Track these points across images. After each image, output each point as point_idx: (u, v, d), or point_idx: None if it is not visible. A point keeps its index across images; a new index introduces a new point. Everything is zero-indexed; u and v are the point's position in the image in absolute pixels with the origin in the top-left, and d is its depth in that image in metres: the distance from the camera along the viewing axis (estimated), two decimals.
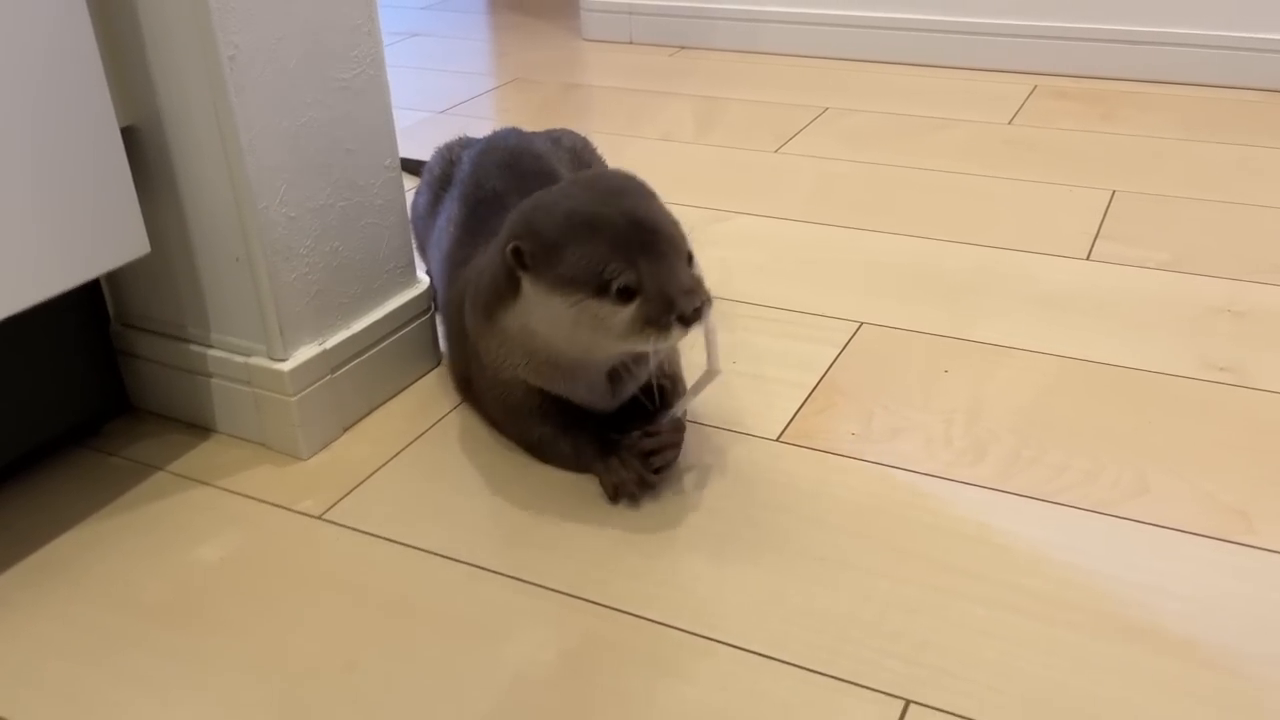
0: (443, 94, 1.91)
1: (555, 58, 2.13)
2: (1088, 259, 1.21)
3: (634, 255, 0.73)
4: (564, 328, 0.77)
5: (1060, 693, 0.66)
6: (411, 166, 1.31)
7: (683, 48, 2.12)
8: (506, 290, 0.80)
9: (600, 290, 0.73)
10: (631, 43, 2.18)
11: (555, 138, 1.12)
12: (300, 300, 0.88)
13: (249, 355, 0.88)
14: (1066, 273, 1.18)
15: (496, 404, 0.88)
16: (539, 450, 0.88)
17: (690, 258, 0.77)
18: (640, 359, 0.83)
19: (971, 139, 1.59)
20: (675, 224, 0.77)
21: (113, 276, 0.93)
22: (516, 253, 0.76)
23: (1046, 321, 1.08)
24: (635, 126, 1.71)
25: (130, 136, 0.83)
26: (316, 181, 0.87)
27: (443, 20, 2.47)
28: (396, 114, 0.95)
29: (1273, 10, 1.70)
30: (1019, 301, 1.12)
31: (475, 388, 0.91)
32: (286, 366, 0.87)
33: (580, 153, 1.12)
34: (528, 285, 0.78)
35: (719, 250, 1.26)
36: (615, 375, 0.85)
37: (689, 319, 0.73)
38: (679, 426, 0.86)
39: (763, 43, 2.06)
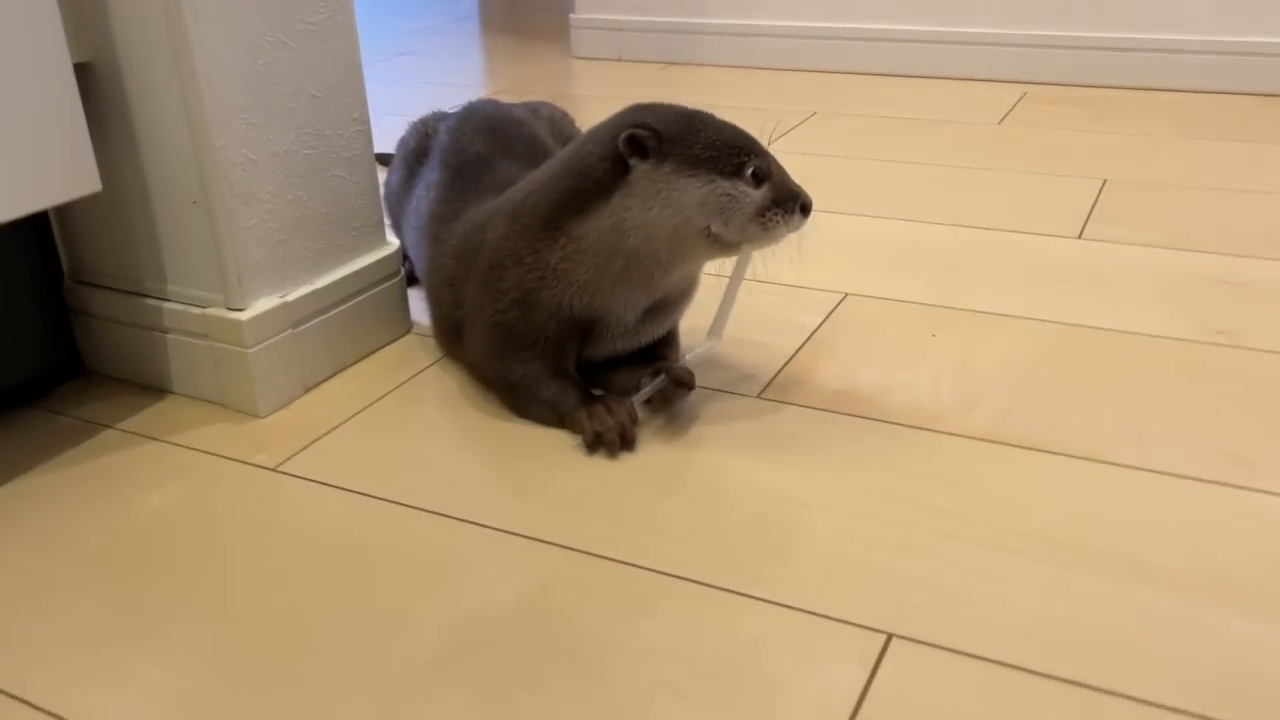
0: (430, 103, 1.88)
1: (545, 72, 2.13)
2: (1079, 238, 1.18)
3: (761, 152, 0.78)
4: (683, 213, 0.76)
5: (1054, 627, 0.61)
6: (387, 161, 1.29)
7: (671, 63, 2.12)
8: (596, 190, 0.78)
9: (735, 172, 0.76)
10: (620, 59, 2.18)
11: (534, 108, 1.09)
12: (261, 248, 0.84)
13: (206, 306, 0.85)
14: (1058, 250, 1.15)
15: (495, 332, 0.83)
16: (519, 392, 0.84)
17: None
18: (686, 291, 0.86)
19: (961, 137, 1.57)
20: None
21: (67, 230, 0.90)
22: (632, 140, 0.75)
23: (1037, 293, 1.04)
24: None
25: (84, 74, 0.80)
26: (279, 125, 0.84)
27: (434, 41, 2.48)
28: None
29: (1256, 14, 1.70)
30: (1009, 275, 1.09)
31: (470, 322, 0.85)
32: (245, 316, 0.83)
33: (559, 122, 1.09)
34: (641, 174, 0.76)
35: None
36: (653, 309, 0.83)
37: (809, 208, 0.79)
38: (691, 375, 0.84)
39: (752, 57, 2.06)
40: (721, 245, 0.79)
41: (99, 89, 0.81)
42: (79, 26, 0.79)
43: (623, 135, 0.76)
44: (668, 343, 0.89)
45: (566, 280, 0.80)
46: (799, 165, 1.30)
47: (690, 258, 0.80)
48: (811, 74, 1.99)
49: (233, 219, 0.82)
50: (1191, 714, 0.55)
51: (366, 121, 0.92)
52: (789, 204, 0.77)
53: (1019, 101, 1.75)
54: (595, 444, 0.80)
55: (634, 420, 0.80)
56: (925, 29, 1.92)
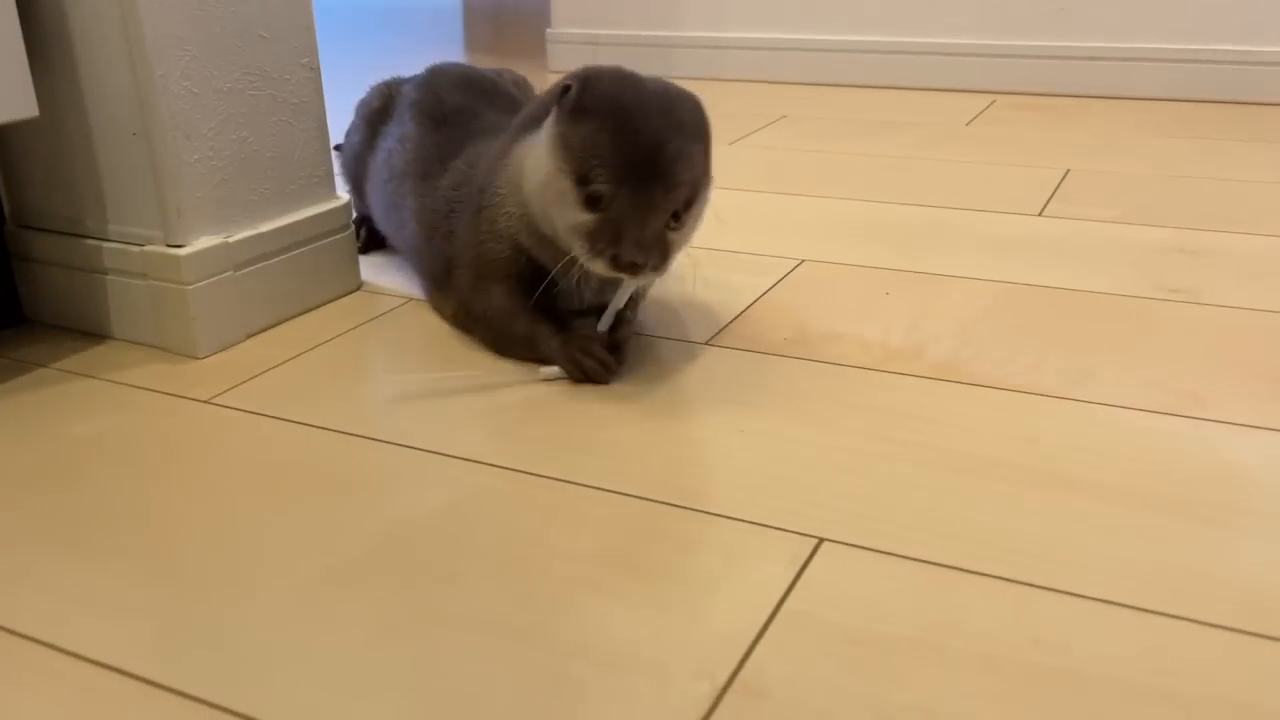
0: None
1: None
2: (1040, 215, 1.18)
3: (627, 179, 0.70)
4: (538, 180, 0.75)
5: (989, 531, 0.60)
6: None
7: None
8: (535, 123, 0.78)
9: (580, 180, 0.71)
10: None
11: (498, 72, 1.10)
12: (203, 185, 0.83)
13: (145, 244, 0.84)
14: (1018, 225, 1.15)
15: (476, 264, 0.83)
16: (497, 327, 0.83)
17: (679, 214, 0.73)
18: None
19: (928, 135, 1.58)
20: (694, 180, 0.74)
21: (9, 173, 0.89)
22: (565, 90, 0.74)
23: (995, 259, 1.04)
24: None
25: (24, 1, 0.79)
26: (223, 61, 0.83)
27: (417, 59, 2.49)
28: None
29: (1220, 22, 1.72)
30: (967, 244, 1.09)
31: (457, 258, 0.85)
32: (184, 252, 0.82)
33: (522, 86, 1.10)
34: (548, 122, 0.75)
35: None
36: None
37: (621, 266, 0.71)
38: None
39: (726, 69, 2.08)
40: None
41: (39, 14, 0.80)
42: None
43: (562, 83, 0.75)
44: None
45: (505, 210, 0.80)
46: (765, 159, 1.30)
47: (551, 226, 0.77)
48: (784, 85, 2.01)
49: (173, 152, 0.81)
50: (1126, 606, 0.53)
51: (316, 69, 0.92)
52: (598, 245, 0.71)
53: (987, 108, 1.77)
54: (582, 379, 0.78)
55: (608, 351, 0.79)
56: (895, 40, 1.94)
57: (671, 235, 0.73)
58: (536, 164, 0.76)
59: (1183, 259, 1.02)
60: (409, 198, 0.93)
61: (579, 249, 0.72)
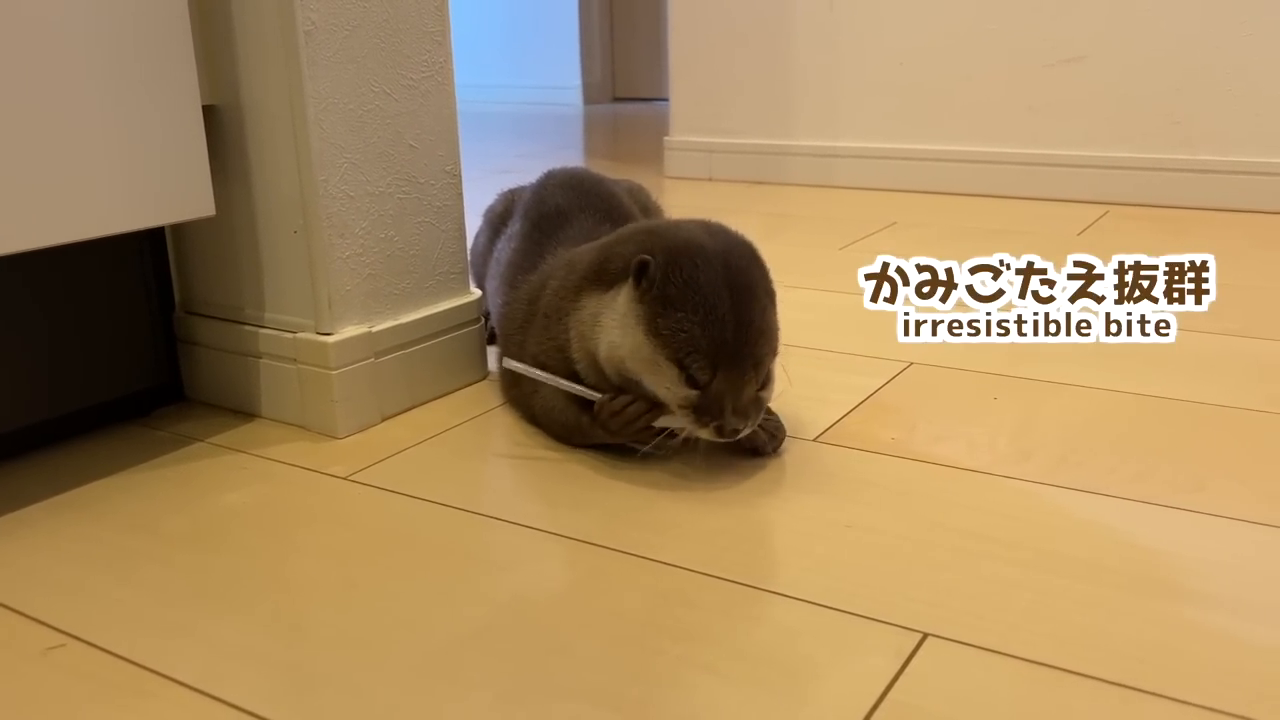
0: None
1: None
2: None
3: (719, 362, 0.77)
4: (626, 349, 0.79)
5: (1093, 634, 0.61)
6: None
7: (759, 183, 2.21)
8: (612, 276, 0.81)
9: (678, 362, 0.77)
10: (711, 179, 2.27)
11: (614, 180, 1.16)
12: (351, 279, 0.91)
13: (297, 331, 0.91)
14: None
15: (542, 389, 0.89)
16: (556, 424, 0.89)
17: (768, 368, 0.80)
18: None
19: (1038, 244, 1.59)
20: (772, 334, 0.80)
21: (182, 264, 0.99)
22: (643, 266, 0.78)
23: (1104, 367, 1.05)
24: None
25: (210, 115, 0.89)
26: (377, 168, 0.92)
27: (535, 163, 2.62)
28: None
29: None
30: (1077, 352, 1.09)
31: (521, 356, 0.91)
32: (331, 339, 0.89)
33: (636, 193, 1.16)
34: (625, 292, 0.79)
35: None
36: None
37: (724, 434, 0.78)
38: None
39: (837, 176, 2.13)
40: None
41: (222, 128, 0.90)
42: (210, 74, 0.89)
43: (637, 258, 0.78)
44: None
45: (571, 346, 0.84)
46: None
47: (633, 385, 0.81)
48: (894, 192, 2.05)
49: (328, 249, 0.89)
50: (1233, 715, 0.54)
51: (458, 175, 1.00)
52: (703, 419, 0.77)
53: (1100, 218, 1.77)
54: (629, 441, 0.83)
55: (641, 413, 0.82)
56: (1008, 150, 1.97)
57: (762, 394, 0.79)
58: (617, 330, 0.79)
59: None
60: (500, 296, 1.00)
61: (682, 418, 0.78)
